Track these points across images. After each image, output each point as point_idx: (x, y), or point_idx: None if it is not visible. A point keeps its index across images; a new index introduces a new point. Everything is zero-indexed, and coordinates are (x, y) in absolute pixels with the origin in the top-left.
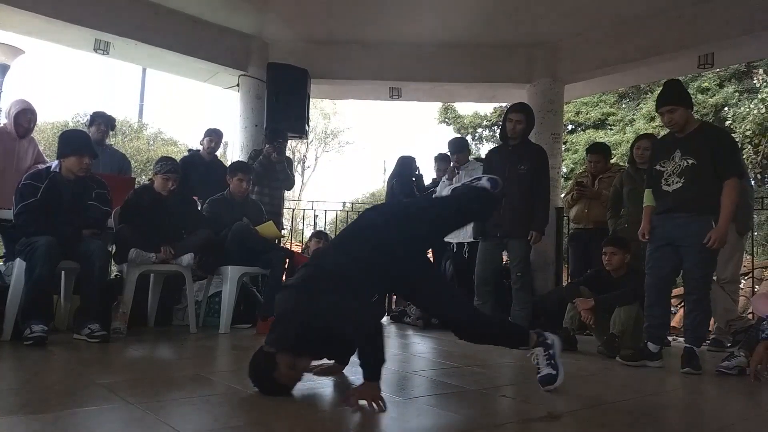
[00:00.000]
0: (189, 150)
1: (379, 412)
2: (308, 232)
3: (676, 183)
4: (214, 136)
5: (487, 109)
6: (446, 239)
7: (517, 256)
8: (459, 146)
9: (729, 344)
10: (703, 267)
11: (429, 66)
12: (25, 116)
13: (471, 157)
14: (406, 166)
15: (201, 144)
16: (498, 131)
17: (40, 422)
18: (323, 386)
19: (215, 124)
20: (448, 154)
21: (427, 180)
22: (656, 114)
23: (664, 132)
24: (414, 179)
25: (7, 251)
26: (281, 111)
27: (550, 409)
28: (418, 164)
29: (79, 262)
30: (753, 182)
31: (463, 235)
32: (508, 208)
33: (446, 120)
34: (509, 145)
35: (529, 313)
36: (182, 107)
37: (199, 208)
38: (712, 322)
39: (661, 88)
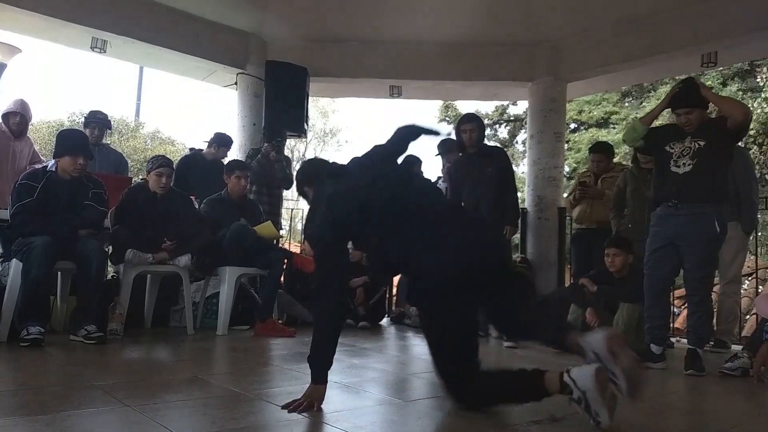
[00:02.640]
0: (191, 149)
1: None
2: None
3: (687, 165)
4: (226, 147)
5: (488, 107)
6: None
7: None
8: (449, 146)
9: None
10: (704, 267)
11: (429, 64)
12: (14, 118)
13: None
14: (408, 165)
15: (209, 146)
16: (498, 130)
17: (37, 424)
18: None
19: (214, 123)
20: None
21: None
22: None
23: None
24: None
25: (4, 252)
26: (280, 109)
27: (552, 412)
28: (421, 167)
29: (75, 263)
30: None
31: None
32: (484, 208)
33: (447, 118)
34: (470, 153)
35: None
36: (180, 106)
37: (197, 208)
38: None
39: (680, 86)
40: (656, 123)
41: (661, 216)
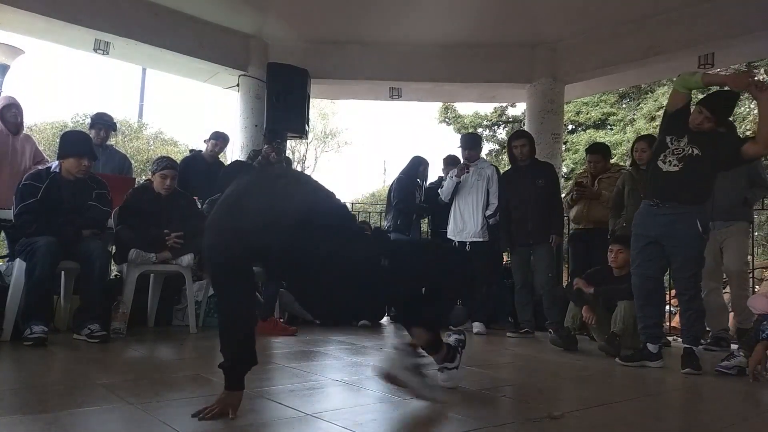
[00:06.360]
0: (191, 150)
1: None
2: None
3: (674, 166)
4: (220, 141)
5: (487, 109)
6: (449, 236)
7: (546, 260)
8: (472, 142)
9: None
10: (691, 266)
11: (429, 66)
12: (9, 111)
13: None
14: (413, 167)
15: (206, 144)
16: (497, 132)
17: (40, 422)
18: (324, 386)
19: (216, 125)
20: (459, 149)
21: (433, 178)
22: (656, 114)
23: None
24: (418, 180)
25: (10, 251)
26: (281, 111)
27: (549, 410)
28: (427, 170)
29: (79, 263)
30: None
31: (466, 234)
32: (532, 217)
33: (446, 120)
34: (521, 165)
35: (562, 308)
36: (182, 107)
37: (200, 208)
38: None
39: (713, 91)
40: (654, 130)
41: (642, 214)
